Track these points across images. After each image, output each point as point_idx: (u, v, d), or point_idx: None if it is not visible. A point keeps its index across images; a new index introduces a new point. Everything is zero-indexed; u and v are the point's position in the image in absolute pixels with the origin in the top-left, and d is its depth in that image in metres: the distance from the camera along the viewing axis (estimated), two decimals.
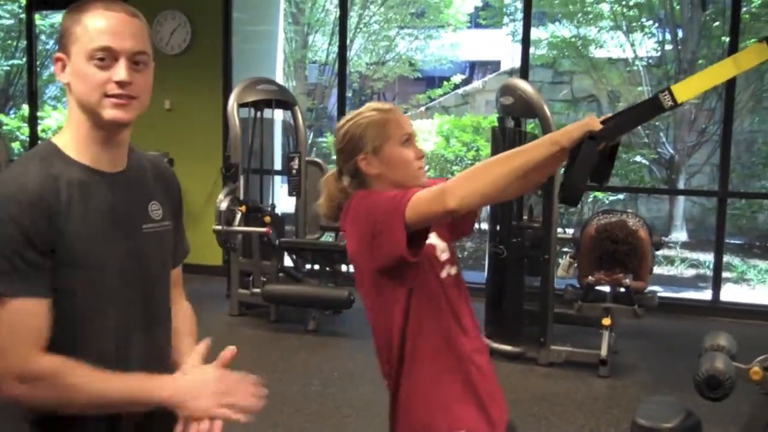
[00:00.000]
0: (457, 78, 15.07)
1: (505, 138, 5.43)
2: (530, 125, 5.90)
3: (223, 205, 6.26)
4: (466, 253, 10.59)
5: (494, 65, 16.48)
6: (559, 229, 5.98)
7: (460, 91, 14.39)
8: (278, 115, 7.64)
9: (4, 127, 11.57)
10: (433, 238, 2.03)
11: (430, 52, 15.10)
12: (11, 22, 13.44)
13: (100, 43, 1.54)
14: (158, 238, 1.70)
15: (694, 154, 11.20)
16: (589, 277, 5.33)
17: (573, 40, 12.27)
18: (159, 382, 1.58)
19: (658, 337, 6.10)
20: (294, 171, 6.57)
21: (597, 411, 4.56)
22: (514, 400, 4.50)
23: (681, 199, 11.41)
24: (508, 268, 5.41)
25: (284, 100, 6.95)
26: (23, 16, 9.99)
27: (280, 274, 6.52)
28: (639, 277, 5.47)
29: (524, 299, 5.41)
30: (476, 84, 14.82)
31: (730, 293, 8.16)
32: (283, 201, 8.00)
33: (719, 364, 2.66)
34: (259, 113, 6.89)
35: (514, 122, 5.53)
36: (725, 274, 8.17)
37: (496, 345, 5.33)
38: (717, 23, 11.06)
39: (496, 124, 5.69)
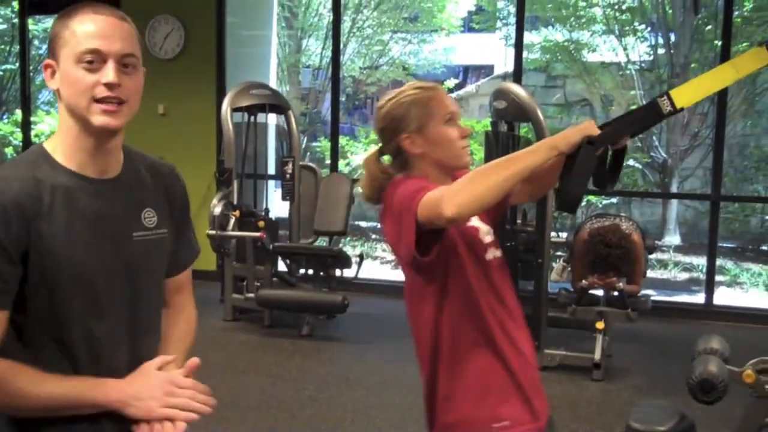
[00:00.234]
0: (451, 82, 15.08)
1: (498, 142, 5.43)
2: (524, 129, 5.91)
3: (217, 210, 6.25)
4: None
5: (487, 69, 16.48)
6: (553, 233, 5.98)
7: (453, 95, 14.37)
8: (272, 119, 7.65)
9: None
10: (475, 221, 2.00)
11: (423, 56, 15.10)
12: (4, 26, 13.41)
13: (88, 46, 1.54)
14: (150, 246, 1.69)
15: (686, 158, 11.22)
16: (583, 281, 5.34)
17: (566, 44, 12.30)
18: (106, 384, 1.58)
19: (652, 341, 6.11)
20: (288, 175, 6.56)
21: (591, 414, 4.57)
22: None
23: (674, 202, 11.44)
24: None
25: (278, 105, 6.96)
26: (16, 20, 9.97)
27: (274, 279, 6.52)
28: (632, 280, 5.49)
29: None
30: (469, 88, 14.83)
31: (723, 297, 8.17)
32: (277, 205, 7.99)
33: (712, 368, 2.67)
34: (252, 118, 6.88)
35: (507, 126, 5.54)
36: (718, 278, 8.19)
37: None
38: (709, 27, 11.09)
39: (490, 128, 5.69)
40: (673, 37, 11.49)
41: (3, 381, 1.51)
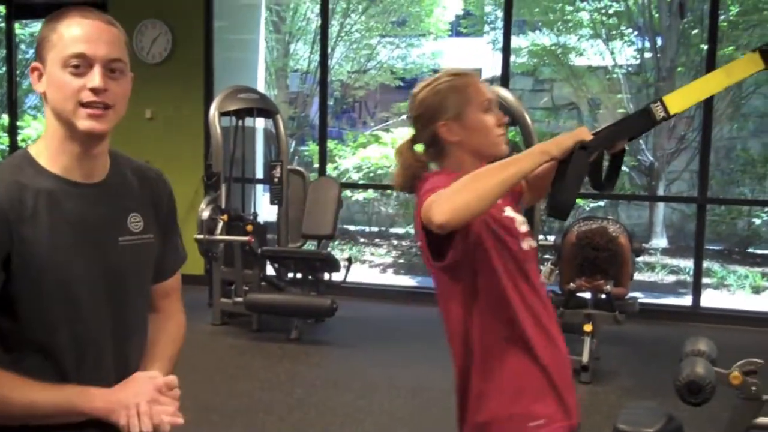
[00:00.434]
0: None
1: None
2: (511, 133, 5.92)
3: (205, 214, 6.24)
4: None
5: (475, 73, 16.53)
6: (541, 236, 6.01)
7: None
8: (260, 123, 7.64)
9: None
10: (509, 212, 1.97)
11: (411, 60, 15.11)
12: None
13: (75, 50, 1.53)
14: (136, 251, 1.68)
15: (673, 161, 11.26)
16: (571, 284, 5.36)
17: (553, 48, 12.33)
18: (91, 392, 1.57)
19: (639, 343, 6.13)
20: (276, 179, 6.56)
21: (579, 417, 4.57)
22: None
23: (661, 205, 11.47)
24: None
25: (266, 109, 6.95)
26: (2, 25, 9.93)
27: (263, 283, 6.51)
28: (620, 283, 5.51)
29: None
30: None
31: (710, 299, 8.21)
32: (265, 209, 7.99)
33: (700, 369, 2.68)
34: (240, 122, 6.88)
35: None
36: (705, 280, 8.23)
37: None
38: (695, 31, 11.15)
39: None
40: (659, 41, 11.53)
41: None
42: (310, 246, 6.90)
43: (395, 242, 11.71)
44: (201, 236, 6.19)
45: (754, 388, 2.78)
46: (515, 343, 1.90)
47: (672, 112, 1.77)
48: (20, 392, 1.51)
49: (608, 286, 5.27)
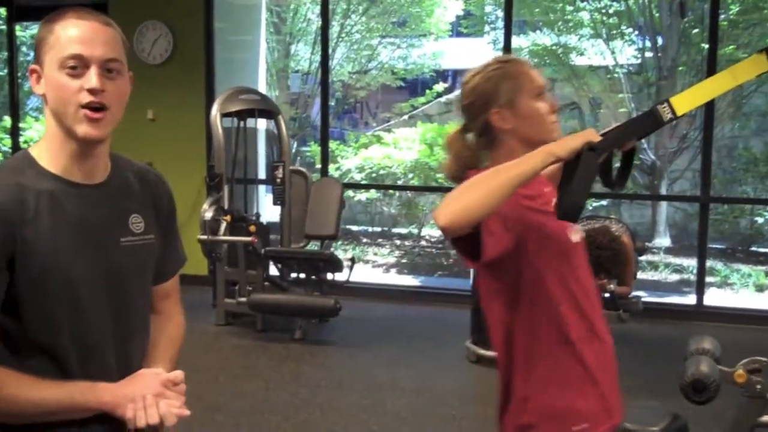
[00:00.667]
0: (440, 86, 15.10)
1: None
2: None
3: (208, 215, 6.25)
4: (451, 260, 10.61)
5: None
6: None
7: (443, 99, 14.41)
8: (261, 124, 7.64)
9: None
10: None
11: (412, 60, 15.12)
12: None
13: (71, 51, 1.54)
14: (138, 251, 1.68)
15: (675, 160, 11.27)
16: None
17: (554, 48, 12.33)
18: (98, 387, 1.57)
19: (643, 342, 6.13)
20: (278, 180, 6.56)
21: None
22: None
23: (663, 204, 11.48)
24: None
25: (267, 110, 6.96)
26: (3, 27, 9.94)
27: (266, 283, 6.51)
28: (623, 282, 5.51)
29: None
30: (458, 92, 14.82)
31: (714, 297, 8.20)
32: (268, 210, 7.99)
33: (704, 368, 2.68)
34: (242, 123, 6.89)
35: None
36: (708, 279, 8.22)
37: (483, 351, 5.34)
38: (696, 30, 11.15)
39: None
40: (660, 41, 11.54)
41: None
42: (313, 246, 6.91)
43: (398, 242, 11.72)
44: (204, 237, 6.19)
45: (758, 387, 2.77)
46: (559, 341, 1.87)
47: (679, 113, 1.77)
48: (28, 390, 1.52)
49: (612, 286, 5.27)
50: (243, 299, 6.30)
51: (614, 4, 11.91)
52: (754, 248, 11.04)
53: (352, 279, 6.54)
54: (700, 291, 7.07)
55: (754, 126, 11.77)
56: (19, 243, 1.51)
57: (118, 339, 1.65)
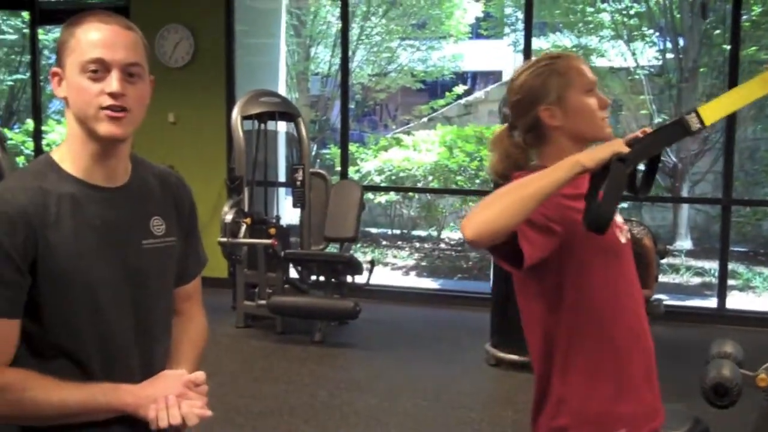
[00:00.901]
0: (460, 88, 15.10)
1: None
2: None
3: (228, 218, 6.27)
4: (470, 263, 10.60)
5: (496, 75, 16.51)
6: None
7: (462, 101, 14.40)
8: (282, 127, 7.66)
9: (9, 142, 11.60)
10: None
11: (431, 62, 15.13)
12: (15, 37, 13.50)
13: (93, 55, 1.54)
14: (159, 253, 1.69)
15: (697, 162, 11.20)
16: None
17: (574, 49, 12.28)
18: (120, 389, 1.58)
19: (665, 345, 6.05)
20: (298, 183, 6.58)
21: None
22: (522, 410, 4.50)
23: (685, 207, 11.41)
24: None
25: (287, 112, 6.98)
26: (27, 31, 10.04)
27: (286, 286, 6.52)
28: (644, 285, 5.46)
29: None
30: (478, 94, 14.83)
31: (736, 301, 8.15)
32: (288, 212, 8.02)
33: (726, 372, 2.66)
34: (262, 125, 6.91)
35: None
36: (730, 282, 8.16)
37: (502, 354, 5.33)
38: (718, 31, 11.08)
39: None
40: (681, 42, 11.47)
41: (17, 391, 1.51)
42: (333, 249, 6.92)
43: (417, 245, 11.72)
44: (224, 239, 6.21)
45: None
46: (601, 342, 1.85)
47: (707, 123, 1.74)
48: (50, 392, 1.52)
49: None
50: (263, 302, 6.31)
51: (635, 5, 11.86)
52: None
53: (371, 282, 6.54)
54: (721, 294, 7.02)
55: None
56: (41, 246, 1.52)
57: (140, 341, 1.65)
